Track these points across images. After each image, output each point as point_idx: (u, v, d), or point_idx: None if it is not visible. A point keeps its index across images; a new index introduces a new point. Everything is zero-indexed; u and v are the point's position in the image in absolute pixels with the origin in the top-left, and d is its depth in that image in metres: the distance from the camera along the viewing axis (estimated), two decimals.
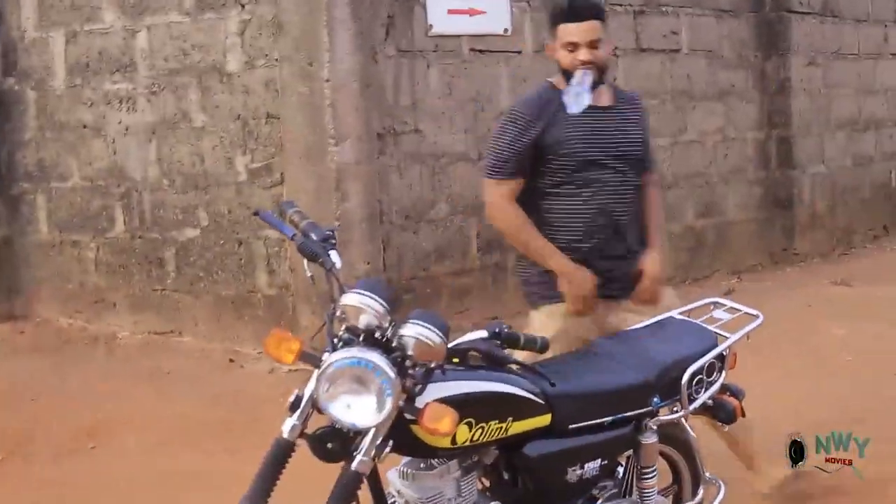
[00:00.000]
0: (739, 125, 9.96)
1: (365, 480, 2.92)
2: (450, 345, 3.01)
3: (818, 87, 10.68)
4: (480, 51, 7.93)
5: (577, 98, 4.14)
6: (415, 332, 2.90)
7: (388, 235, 7.30)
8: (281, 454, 2.93)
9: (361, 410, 2.85)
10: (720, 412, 3.73)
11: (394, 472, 3.18)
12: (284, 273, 7.22)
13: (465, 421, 2.96)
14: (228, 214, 7.44)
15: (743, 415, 3.80)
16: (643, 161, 4.37)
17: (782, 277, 9.75)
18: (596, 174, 4.18)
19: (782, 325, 6.72)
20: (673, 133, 9.28)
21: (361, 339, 2.93)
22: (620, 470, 3.58)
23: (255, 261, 7.34)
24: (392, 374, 2.82)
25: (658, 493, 3.68)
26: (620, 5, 8.85)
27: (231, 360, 7.13)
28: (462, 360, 3.11)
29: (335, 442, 2.91)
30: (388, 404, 2.83)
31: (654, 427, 3.53)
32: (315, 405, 2.92)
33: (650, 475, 3.59)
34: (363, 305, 2.95)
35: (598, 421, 3.35)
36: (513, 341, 3.12)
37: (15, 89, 8.19)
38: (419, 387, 2.90)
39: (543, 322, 4.23)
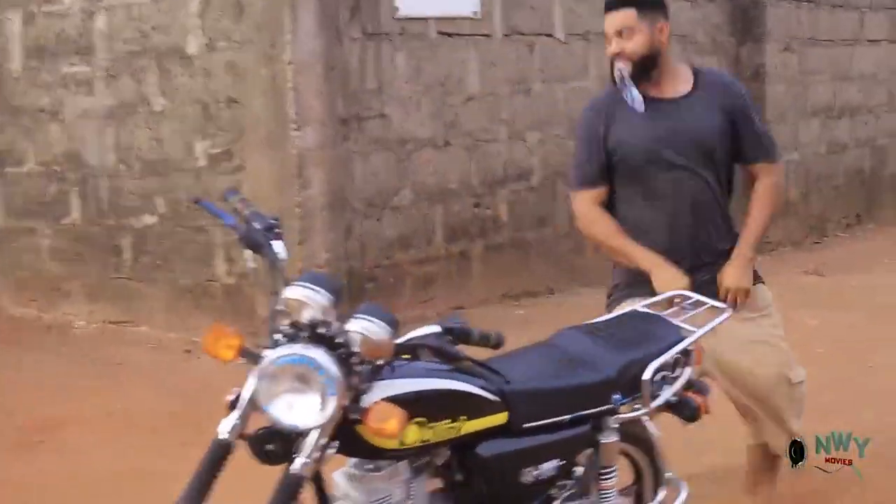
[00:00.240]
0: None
1: (308, 483, 2.79)
2: (399, 340, 2.88)
3: (793, 74, 10.62)
4: (449, 34, 7.81)
5: (629, 95, 3.91)
6: (361, 327, 2.76)
7: (351, 223, 7.19)
8: (218, 455, 2.80)
9: (303, 410, 2.73)
10: (684, 410, 3.59)
11: (340, 474, 3.03)
12: (244, 262, 7.07)
13: (414, 420, 2.83)
14: (187, 201, 7.28)
15: (707, 412, 3.67)
16: (721, 153, 3.96)
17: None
18: (661, 176, 3.91)
19: None
20: None
21: (305, 334, 2.79)
22: (579, 469, 3.44)
23: (213, 249, 7.21)
24: (336, 373, 2.70)
25: (618, 493, 3.54)
26: None
27: (188, 351, 7.00)
28: (412, 357, 2.98)
29: (276, 443, 2.78)
30: (332, 404, 2.70)
31: (615, 425, 3.40)
32: (255, 404, 2.79)
33: (610, 475, 3.44)
34: (307, 299, 2.80)
35: (556, 419, 3.23)
36: (466, 337, 2.98)
37: None
38: (366, 385, 2.78)
39: None
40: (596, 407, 3.32)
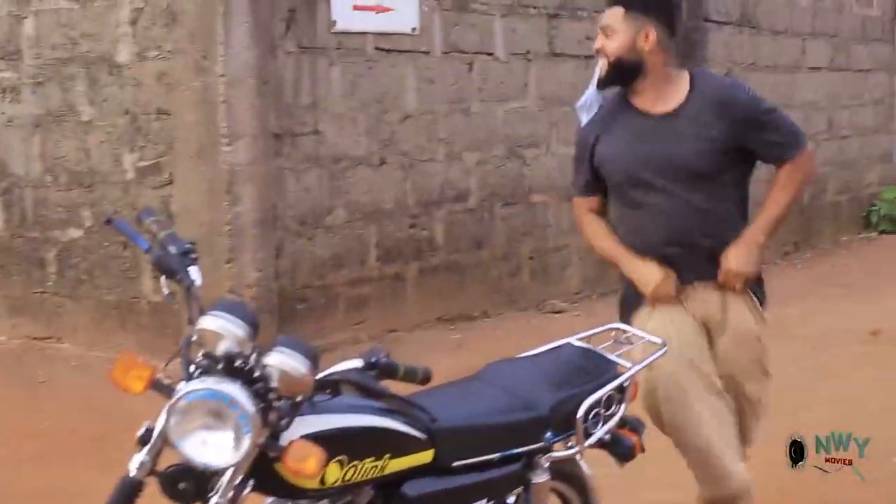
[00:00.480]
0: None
1: None
2: (319, 375, 2.77)
3: None
4: (386, 50, 7.70)
5: (588, 93, 3.81)
6: (279, 361, 2.65)
7: (282, 241, 7.05)
8: (128, 493, 2.68)
9: (217, 448, 2.61)
10: (618, 448, 3.53)
11: None
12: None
13: (335, 459, 2.73)
14: (114, 215, 7.04)
15: (642, 450, 3.61)
16: (719, 168, 3.71)
17: None
18: (646, 197, 3.71)
19: None
20: None
21: (220, 367, 2.67)
22: None
23: (140, 265, 7.05)
24: (251, 409, 2.59)
25: None
26: (534, 7, 8.65)
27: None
28: (334, 392, 2.87)
29: (189, 482, 2.66)
30: (247, 442, 2.59)
31: (547, 464, 3.31)
32: (167, 440, 2.66)
33: None
34: (222, 330, 2.70)
35: (486, 458, 3.13)
36: (391, 372, 2.89)
37: None
38: (284, 421, 2.66)
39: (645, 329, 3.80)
40: (527, 445, 3.23)
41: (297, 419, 2.69)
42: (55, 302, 7.44)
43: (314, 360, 2.68)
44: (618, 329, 3.82)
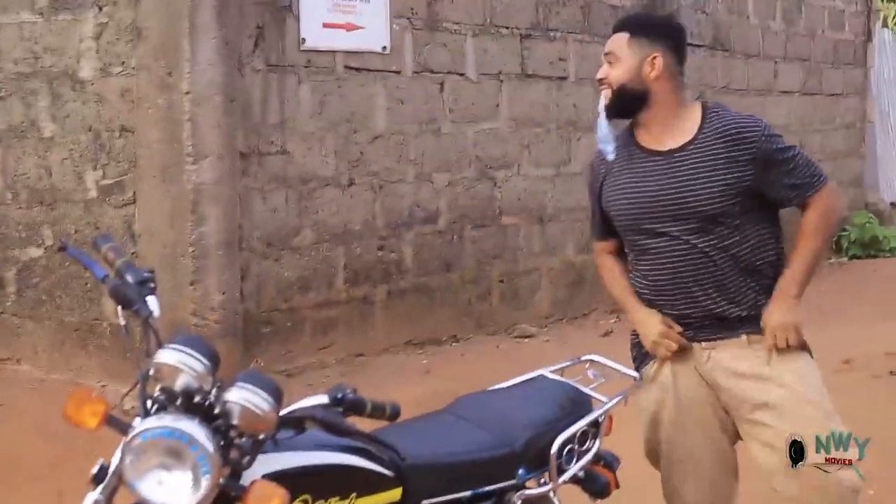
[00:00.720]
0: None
1: None
2: (283, 412, 2.67)
3: None
4: (356, 69, 7.57)
5: (599, 131, 3.55)
6: (241, 397, 2.54)
7: (247, 263, 6.89)
8: None
9: (175, 488, 2.51)
10: (592, 485, 3.52)
11: None
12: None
13: (299, 498, 2.66)
14: (75, 234, 6.94)
15: (617, 486, 3.56)
16: (732, 210, 3.40)
17: None
18: (652, 243, 3.46)
19: None
20: (556, 164, 9.02)
21: (178, 403, 2.58)
22: None
23: (102, 286, 6.83)
24: (210, 448, 2.49)
25: None
26: (506, 27, 8.56)
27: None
28: (298, 429, 2.77)
29: None
30: (206, 483, 2.49)
31: (519, 501, 3.23)
32: (122, 479, 2.56)
33: None
34: (181, 364, 2.61)
35: (456, 496, 3.06)
36: (358, 408, 2.80)
37: None
38: (246, 460, 2.57)
39: (645, 390, 3.62)
40: (499, 482, 3.17)
41: (260, 457, 2.60)
42: (14, 323, 7.24)
43: (277, 395, 2.58)
44: (592, 361, 3.76)
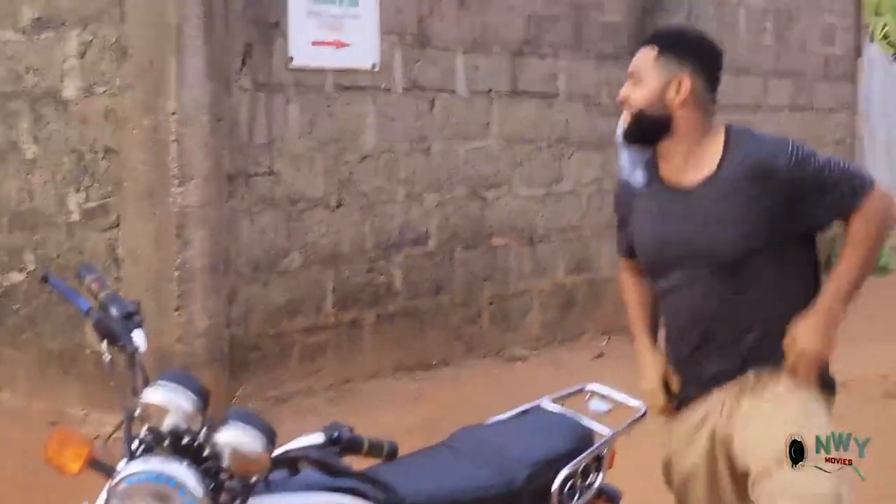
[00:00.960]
0: (616, 176, 9.62)
1: None
2: (276, 452, 2.57)
3: None
4: (346, 87, 7.44)
5: (621, 160, 3.35)
6: (232, 438, 2.45)
7: (234, 287, 6.74)
8: None
9: None
10: None
11: None
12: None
13: None
14: (58, 259, 6.84)
15: None
16: (759, 246, 3.10)
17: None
18: (673, 283, 3.22)
19: None
20: (547, 183, 8.89)
21: (166, 444, 2.49)
22: None
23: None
24: (200, 493, 2.40)
25: None
26: (497, 44, 8.47)
27: (53, 423, 6.49)
28: (292, 470, 2.65)
29: None
30: None
31: None
32: None
33: None
34: (168, 403, 2.53)
35: None
36: (354, 447, 2.70)
37: None
38: (237, 503, 2.49)
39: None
40: None
41: (252, 500, 2.51)
42: None
43: (270, 435, 2.48)
44: (592, 391, 3.67)
